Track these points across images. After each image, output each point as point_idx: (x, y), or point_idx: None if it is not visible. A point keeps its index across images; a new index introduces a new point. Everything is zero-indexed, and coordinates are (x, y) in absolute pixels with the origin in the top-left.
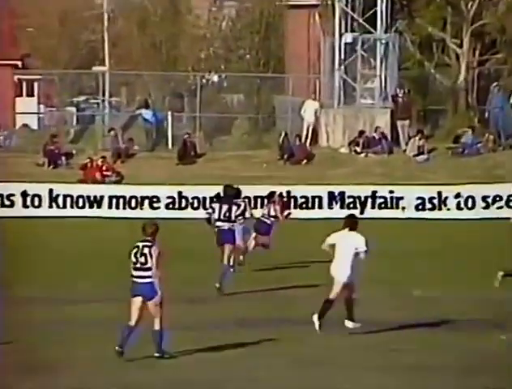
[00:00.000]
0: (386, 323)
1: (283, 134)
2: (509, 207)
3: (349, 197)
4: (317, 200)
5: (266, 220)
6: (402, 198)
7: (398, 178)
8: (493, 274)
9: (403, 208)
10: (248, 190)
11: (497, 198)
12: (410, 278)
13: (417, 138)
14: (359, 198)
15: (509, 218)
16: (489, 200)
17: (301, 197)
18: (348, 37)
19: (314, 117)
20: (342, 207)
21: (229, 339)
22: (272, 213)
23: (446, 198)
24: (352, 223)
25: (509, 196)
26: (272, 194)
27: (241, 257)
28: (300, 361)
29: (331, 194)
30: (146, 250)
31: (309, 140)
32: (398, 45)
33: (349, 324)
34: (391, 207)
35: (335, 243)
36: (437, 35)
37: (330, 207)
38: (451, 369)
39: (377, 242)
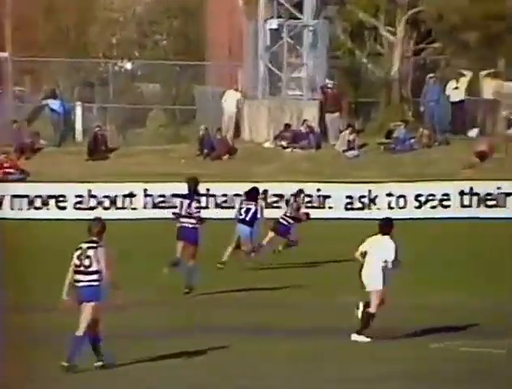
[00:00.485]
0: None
1: (202, 127)
2: (443, 206)
3: (273, 195)
4: (238, 199)
5: (283, 221)
6: (329, 196)
7: (326, 175)
8: (430, 278)
9: (331, 208)
10: (167, 188)
11: (430, 198)
12: (338, 284)
13: (347, 132)
14: (283, 196)
15: (443, 218)
16: (422, 199)
17: (222, 195)
18: (273, 23)
19: (236, 108)
20: (266, 206)
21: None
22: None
23: (376, 196)
24: (383, 227)
25: (444, 195)
26: (299, 192)
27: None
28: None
29: None
30: (91, 252)
31: (230, 133)
32: (328, 33)
33: (355, 337)
34: (318, 207)
35: (367, 250)
36: (370, 22)
37: None
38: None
39: (304, 245)
